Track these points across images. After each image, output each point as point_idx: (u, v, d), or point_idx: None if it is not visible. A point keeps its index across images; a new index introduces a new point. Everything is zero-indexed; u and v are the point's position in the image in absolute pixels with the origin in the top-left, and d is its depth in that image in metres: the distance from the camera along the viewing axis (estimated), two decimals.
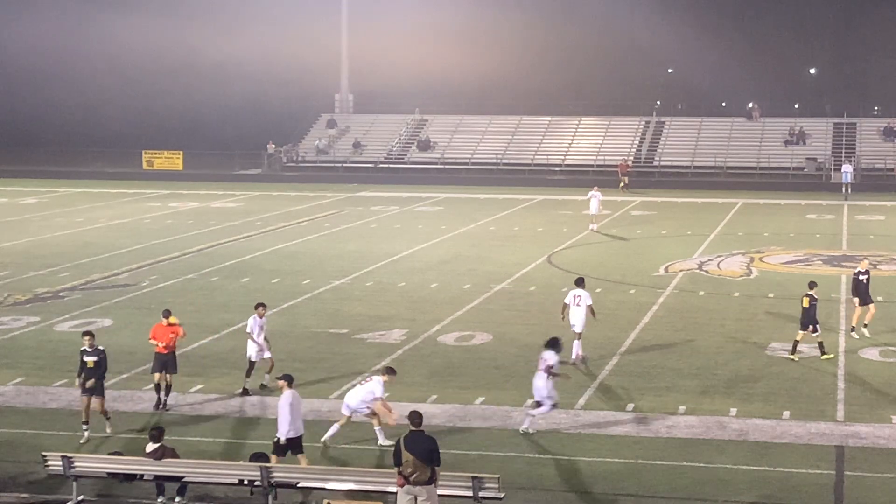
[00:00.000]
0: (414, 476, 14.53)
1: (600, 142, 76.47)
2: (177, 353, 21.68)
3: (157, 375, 21.34)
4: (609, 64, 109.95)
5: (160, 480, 16.47)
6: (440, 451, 14.71)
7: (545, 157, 74.97)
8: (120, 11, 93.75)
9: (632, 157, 72.55)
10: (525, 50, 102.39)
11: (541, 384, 19.85)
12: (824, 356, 24.61)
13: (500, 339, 26.85)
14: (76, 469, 16.49)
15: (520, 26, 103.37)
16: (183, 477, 16.35)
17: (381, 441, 18.96)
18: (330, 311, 30.17)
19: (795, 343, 24.83)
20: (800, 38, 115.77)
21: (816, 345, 24.83)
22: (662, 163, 73.32)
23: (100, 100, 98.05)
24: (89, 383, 19.55)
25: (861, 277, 26.85)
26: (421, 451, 14.52)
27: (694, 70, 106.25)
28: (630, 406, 21.37)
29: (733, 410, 21.02)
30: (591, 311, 24.89)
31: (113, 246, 42.00)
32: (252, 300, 29.36)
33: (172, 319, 21.61)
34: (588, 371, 23.90)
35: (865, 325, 26.81)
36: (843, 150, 71.40)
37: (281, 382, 17.56)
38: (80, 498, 16.70)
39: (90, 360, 19.67)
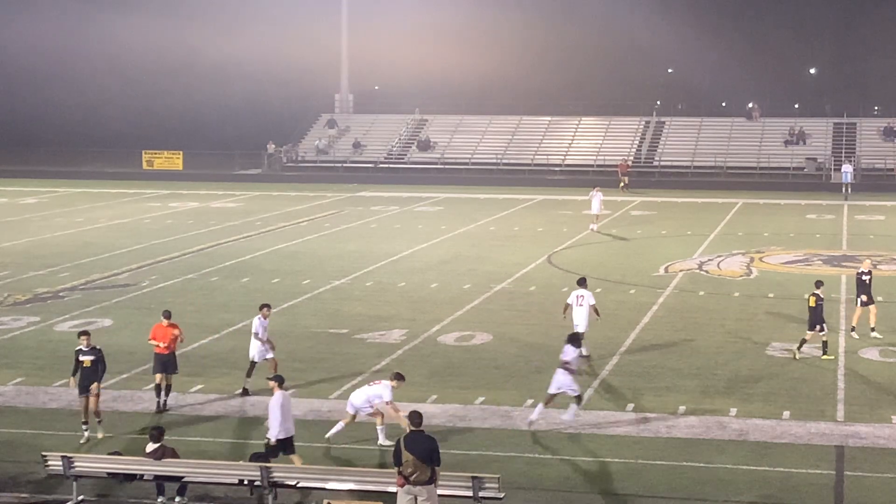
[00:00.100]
0: (414, 476, 14.53)
1: (600, 142, 76.46)
2: (177, 353, 21.66)
3: (158, 377, 21.30)
4: (609, 64, 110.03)
5: (160, 480, 16.47)
6: (440, 451, 14.71)
7: (545, 157, 74.97)
8: (120, 11, 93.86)
9: (632, 157, 72.55)
10: (525, 50, 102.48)
11: (564, 379, 19.88)
12: (825, 356, 24.62)
13: (500, 339, 26.85)
14: (76, 469, 16.49)
15: (520, 26, 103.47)
16: (183, 477, 16.35)
17: (382, 441, 18.96)
18: (330, 311, 30.17)
19: (803, 341, 24.84)
20: (800, 38, 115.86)
21: (819, 344, 24.84)
22: (662, 163, 73.31)
23: (100, 100, 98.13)
24: (94, 387, 19.53)
25: (864, 278, 26.88)
26: (421, 450, 14.52)
27: (694, 70, 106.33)
28: (630, 406, 21.36)
29: (733, 410, 21.02)
30: (594, 310, 24.92)
31: (113, 246, 42.00)
32: (252, 300, 29.46)
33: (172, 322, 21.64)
34: (591, 370, 23.89)
35: (873, 329, 26.75)
36: (843, 150, 71.40)
37: (272, 383, 17.59)
38: (80, 498, 16.70)
39: (87, 359, 19.64)
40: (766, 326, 28.21)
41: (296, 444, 17.42)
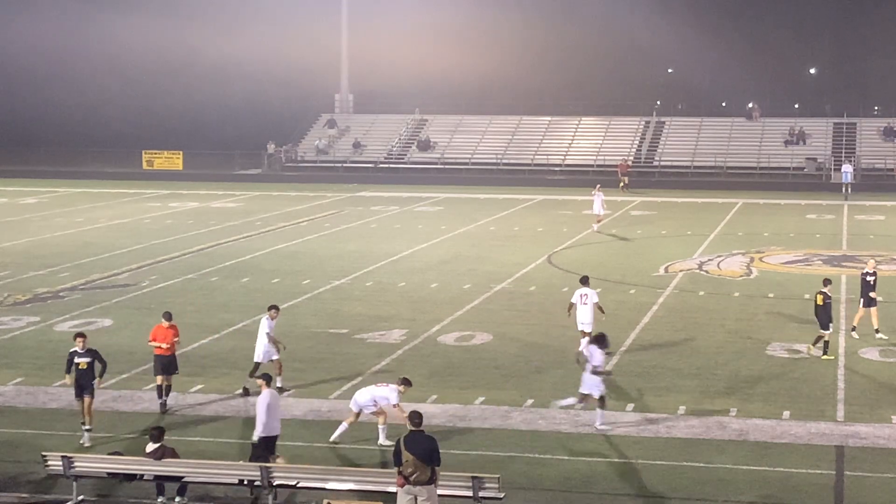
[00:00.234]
0: (414, 476, 14.52)
1: (600, 142, 76.46)
2: (177, 353, 21.65)
3: (159, 378, 21.29)
4: (609, 64, 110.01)
5: (160, 480, 16.46)
6: (440, 450, 14.71)
7: (545, 157, 74.96)
8: (120, 11, 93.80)
9: (632, 157, 72.54)
10: (525, 50, 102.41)
11: (592, 380, 19.90)
12: (825, 356, 24.61)
13: (500, 339, 26.84)
14: (76, 469, 16.49)
15: (520, 26, 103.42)
16: (183, 477, 16.34)
17: (382, 441, 18.96)
18: (330, 311, 30.17)
19: (826, 343, 24.71)
20: (800, 38, 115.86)
21: (821, 344, 24.81)
22: (662, 163, 73.31)
23: (100, 100, 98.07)
24: (97, 382, 19.51)
25: (869, 279, 26.85)
26: (421, 450, 14.51)
27: (694, 70, 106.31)
28: (630, 406, 21.36)
29: (733, 410, 21.01)
30: (598, 308, 24.95)
31: (113, 246, 41.99)
32: (252, 300, 29.50)
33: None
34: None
35: (878, 330, 26.69)
36: (843, 150, 71.39)
37: (260, 382, 17.59)
38: (80, 498, 16.69)
39: (82, 361, 19.58)
40: (766, 326, 28.21)
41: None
